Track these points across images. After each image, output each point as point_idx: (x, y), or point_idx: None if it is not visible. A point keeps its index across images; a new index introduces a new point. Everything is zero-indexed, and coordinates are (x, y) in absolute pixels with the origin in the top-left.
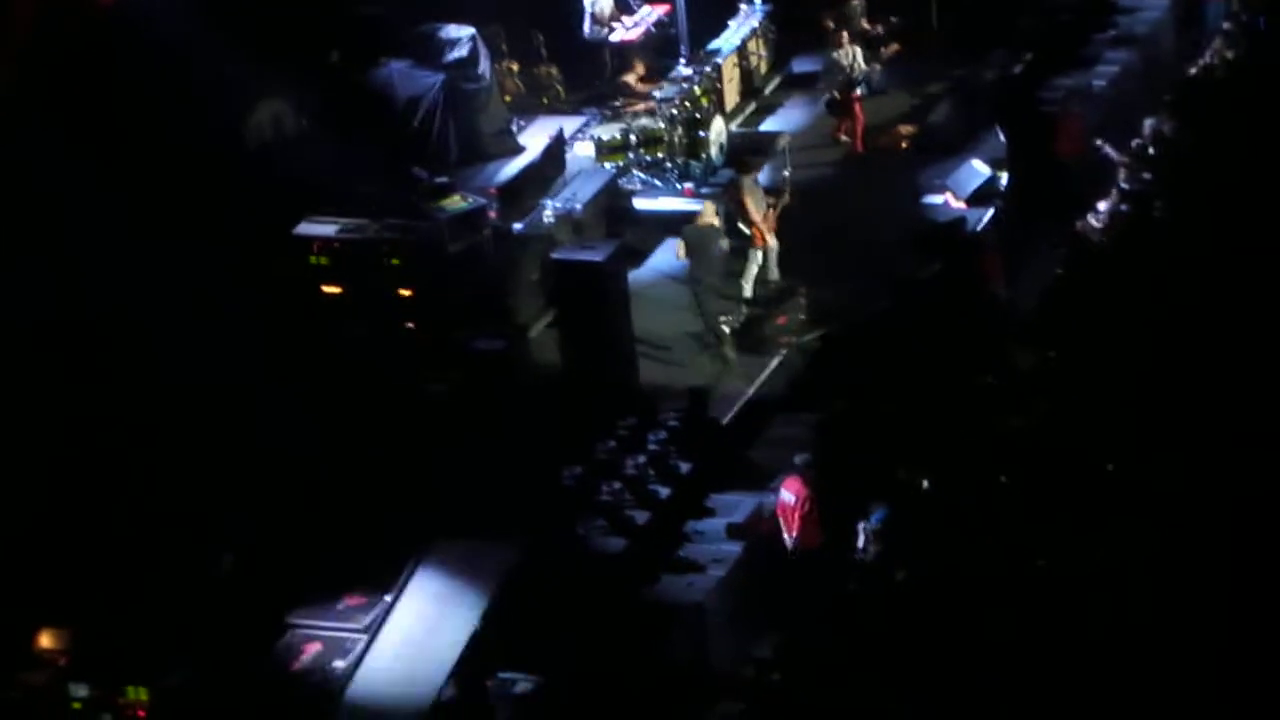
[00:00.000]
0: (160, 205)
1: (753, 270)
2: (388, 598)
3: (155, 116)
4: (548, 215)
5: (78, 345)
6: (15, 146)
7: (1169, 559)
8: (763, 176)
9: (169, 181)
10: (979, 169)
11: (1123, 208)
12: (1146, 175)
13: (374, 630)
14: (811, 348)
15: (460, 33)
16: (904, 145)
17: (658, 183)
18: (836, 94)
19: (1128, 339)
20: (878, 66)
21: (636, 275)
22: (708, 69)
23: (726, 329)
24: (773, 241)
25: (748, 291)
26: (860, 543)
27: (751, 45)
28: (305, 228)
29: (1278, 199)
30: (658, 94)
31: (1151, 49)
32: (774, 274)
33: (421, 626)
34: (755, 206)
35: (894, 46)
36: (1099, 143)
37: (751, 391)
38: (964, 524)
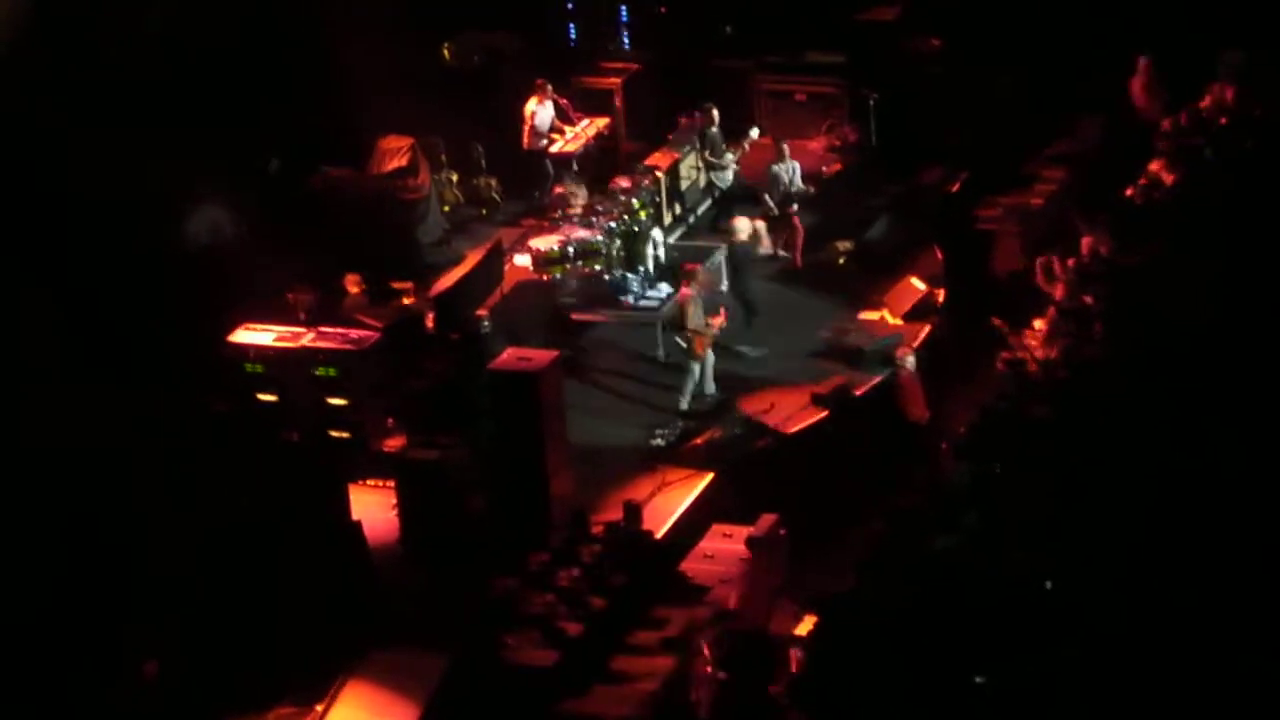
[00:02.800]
0: (95, 312)
1: (689, 384)
2: (319, 707)
3: (93, 224)
4: (485, 326)
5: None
6: None
7: (1103, 679)
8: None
9: (105, 288)
10: (915, 286)
11: (1061, 328)
12: (1085, 296)
13: None
14: (746, 461)
15: (399, 143)
16: (841, 261)
17: (595, 294)
18: (775, 208)
19: (1065, 459)
20: (810, 189)
21: (573, 386)
22: (646, 182)
23: (661, 442)
24: (710, 355)
25: (684, 405)
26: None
27: (690, 160)
28: (241, 335)
29: (1214, 320)
30: (597, 207)
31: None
32: (711, 387)
33: None
34: (696, 317)
35: (835, 165)
36: (1037, 261)
37: (686, 504)
38: (895, 642)
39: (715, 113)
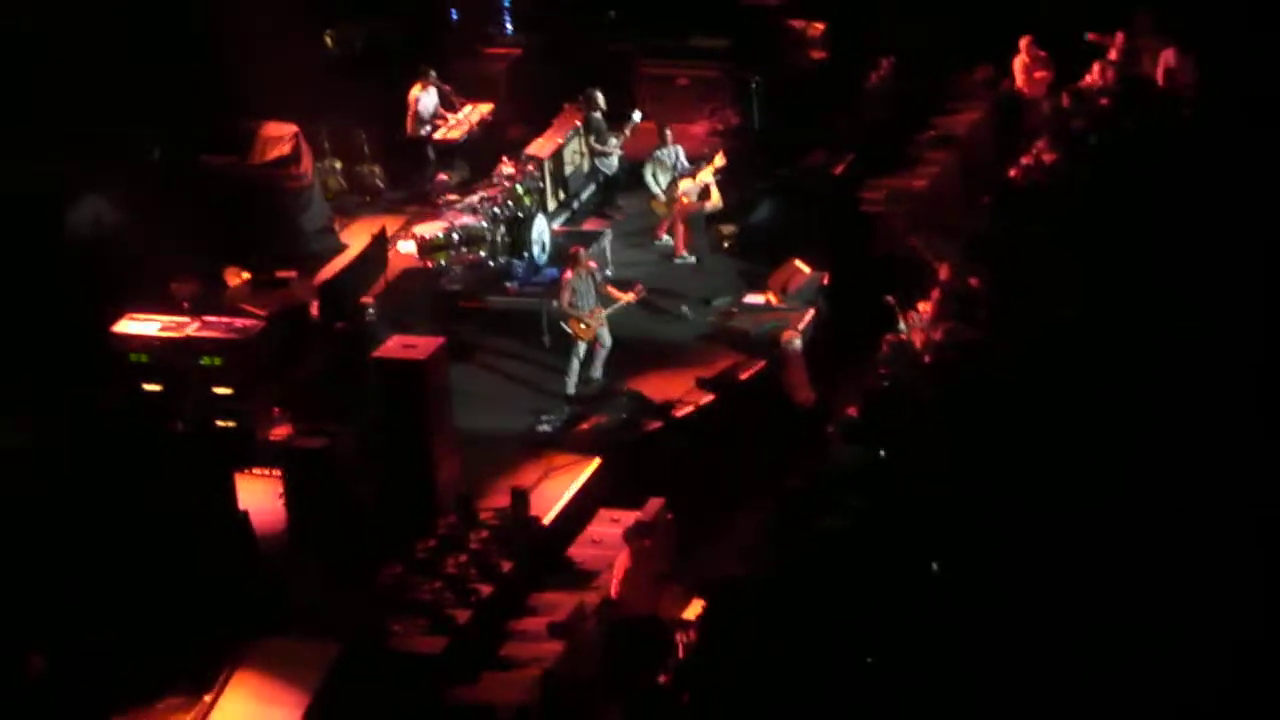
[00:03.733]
0: None
1: (573, 369)
2: (207, 697)
3: None
4: (370, 313)
5: None
6: None
7: (985, 658)
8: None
9: None
10: (800, 269)
11: (946, 309)
12: (969, 278)
13: None
14: (632, 446)
15: (282, 130)
16: (725, 245)
17: (480, 280)
18: (660, 193)
19: (951, 440)
20: (702, 166)
21: (458, 373)
22: (530, 168)
23: (547, 428)
24: (606, 339)
25: (570, 389)
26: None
27: (574, 145)
28: (125, 326)
29: (1097, 301)
30: (481, 193)
31: (971, 150)
32: (598, 372)
33: None
34: (576, 302)
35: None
36: (920, 243)
37: (573, 490)
38: (783, 625)
39: (599, 97)
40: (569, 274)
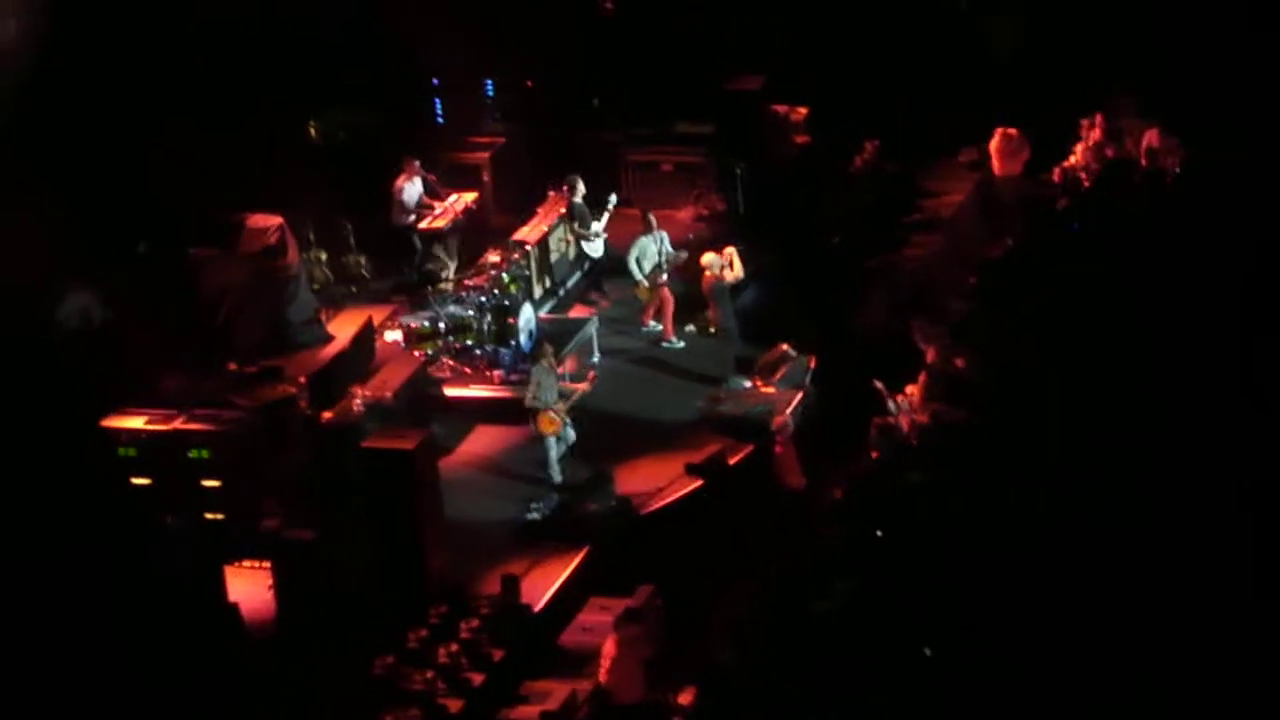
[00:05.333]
0: None
1: (551, 458)
2: None
3: None
4: (357, 404)
5: None
6: None
7: None
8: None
9: None
10: (788, 352)
11: (933, 391)
12: (956, 360)
13: None
14: (622, 533)
15: (267, 221)
16: (712, 330)
17: (467, 370)
18: (644, 279)
19: (940, 523)
20: (684, 254)
21: (447, 462)
22: (516, 256)
23: (536, 516)
24: (569, 435)
25: (555, 478)
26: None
27: (560, 233)
28: (113, 420)
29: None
30: (467, 282)
31: (956, 232)
32: (554, 472)
33: None
34: (539, 394)
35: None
36: (910, 323)
37: (563, 577)
38: (775, 710)
39: (580, 183)
40: (536, 365)
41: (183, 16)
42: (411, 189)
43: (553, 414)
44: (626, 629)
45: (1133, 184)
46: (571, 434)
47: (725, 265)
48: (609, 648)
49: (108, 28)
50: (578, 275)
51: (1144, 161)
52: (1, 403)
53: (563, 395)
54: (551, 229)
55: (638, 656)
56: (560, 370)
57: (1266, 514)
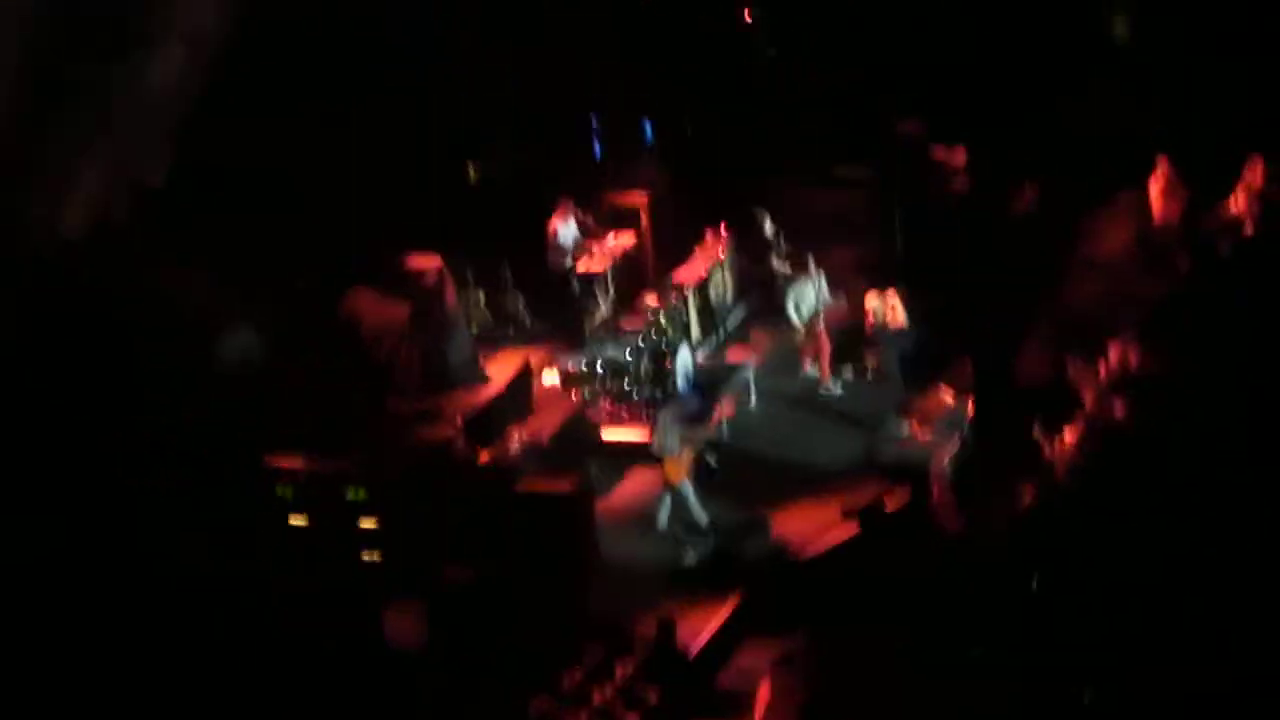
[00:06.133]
0: (127, 442)
1: (691, 500)
2: None
3: (125, 350)
4: (514, 445)
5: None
6: None
7: None
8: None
9: (139, 415)
10: (946, 397)
11: (1091, 437)
12: (1116, 405)
13: None
14: (778, 577)
15: (427, 262)
16: (869, 375)
17: (624, 413)
18: (801, 324)
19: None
20: (843, 300)
21: (603, 505)
22: (673, 298)
23: (692, 559)
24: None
25: (703, 520)
26: None
27: (718, 276)
28: (272, 459)
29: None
30: (625, 325)
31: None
32: (699, 516)
33: None
34: (662, 444)
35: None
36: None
37: (720, 620)
38: None
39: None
40: (658, 413)
41: (349, 56)
42: (566, 230)
43: (676, 460)
44: (781, 674)
45: None
46: (688, 486)
47: (889, 308)
48: (764, 693)
49: (279, 57)
50: (738, 317)
51: None
52: (165, 441)
53: (684, 441)
54: (710, 271)
55: (793, 702)
56: (718, 416)
57: None
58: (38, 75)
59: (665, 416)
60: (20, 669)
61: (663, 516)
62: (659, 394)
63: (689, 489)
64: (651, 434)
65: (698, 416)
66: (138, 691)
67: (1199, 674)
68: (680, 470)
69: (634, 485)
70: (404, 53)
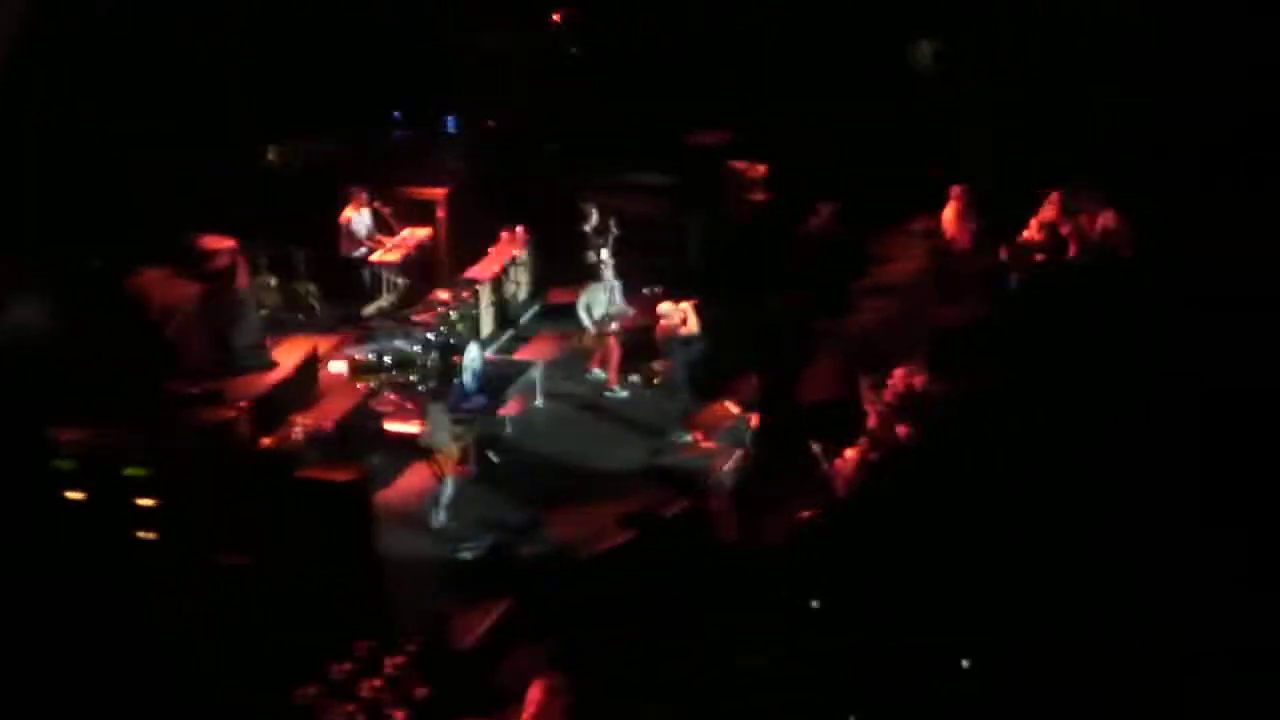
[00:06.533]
0: None
1: (444, 497)
2: None
3: None
4: (297, 432)
5: None
6: None
7: None
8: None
9: None
10: (730, 409)
11: (872, 456)
12: (898, 425)
13: None
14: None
15: (219, 244)
16: (655, 382)
17: (409, 405)
18: (592, 327)
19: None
20: (632, 310)
21: (382, 496)
22: (465, 294)
23: (468, 555)
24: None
25: (437, 522)
26: None
27: (511, 273)
28: (54, 432)
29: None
30: (415, 318)
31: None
32: (440, 516)
33: None
34: (434, 435)
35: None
36: (855, 387)
37: (492, 620)
38: None
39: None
40: (429, 406)
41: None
42: (360, 220)
43: (443, 455)
44: (551, 676)
45: (1081, 261)
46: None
47: (680, 317)
48: (534, 694)
49: (87, 37)
50: (529, 315)
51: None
52: None
53: (455, 437)
54: (504, 269)
55: (562, 704)
56: (504, 412)
57: None
58: None
59: (435, 409)
60: None
61: (432, 514)
62: (443, 388)
63: (449, 485)
64: (416, 436)
65: (479, 412)
66: None
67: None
68: (448, 464)
69: (415, 480)
70: (208, 28)
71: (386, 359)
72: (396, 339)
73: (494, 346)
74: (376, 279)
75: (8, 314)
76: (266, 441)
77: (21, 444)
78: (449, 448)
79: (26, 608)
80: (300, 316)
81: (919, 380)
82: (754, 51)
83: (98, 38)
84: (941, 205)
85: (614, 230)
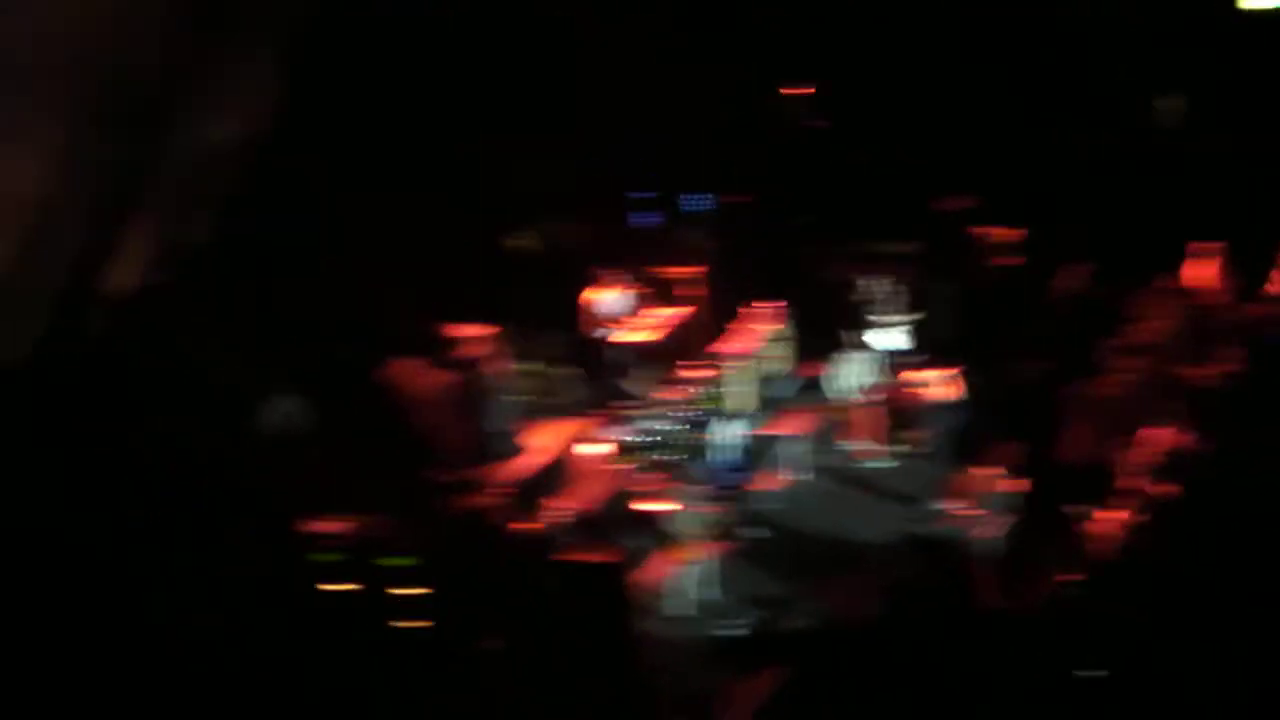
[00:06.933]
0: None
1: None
2: None
3: (159, 421)
4: (555, 516)
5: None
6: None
7: None
8: None
9: (175, 482)
10: (991, 474)
11: (1132, 518)
12: (1163, 489)
13: None
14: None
15: (472, 332)
16: (914, 450)
17: (664, 486)
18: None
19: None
20: (891, 379)
21: (642, 576)
22: (718, 371)
23: (732, 631)
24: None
25: (713, 598)
26: None
27: (765, 347)
28: (314, 524)
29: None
30: (667, 396)
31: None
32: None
33: None
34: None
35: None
36: (1113, 447)
37: (761, 693)
38: None
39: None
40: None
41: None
42: (609, 302)
43: (694, 541)
44: None
45: None
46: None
47: (937, 385)
48: None
49: (329, 126)
50: (785, 389)
51: None
52: (204, 506)
53: (703, 521)
54: (758, 344)
55: None
56: (762, 486)
57: None
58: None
59: (682, 494)
60: None
61: (692, 592)
62: (699, 466)
63: (707, 567)
64: (672, 515)
65: (737, 488)
66: None
67: None
68: (698, 550)
69: (673, 559)
70: (453, 125)
71: (641, 439)
72: (651, 419)
73: (750, 422)
74: (628, 360)
75: (266, 411)
76: (524, 526)
77: (282, 539)
78: (697, 531)
79: (292, 702)
80: (552, 400)
81: (1177, 440)
82: (997, 116)
83: (348, 128)
84: (1193, 261)
85: (882, 296)
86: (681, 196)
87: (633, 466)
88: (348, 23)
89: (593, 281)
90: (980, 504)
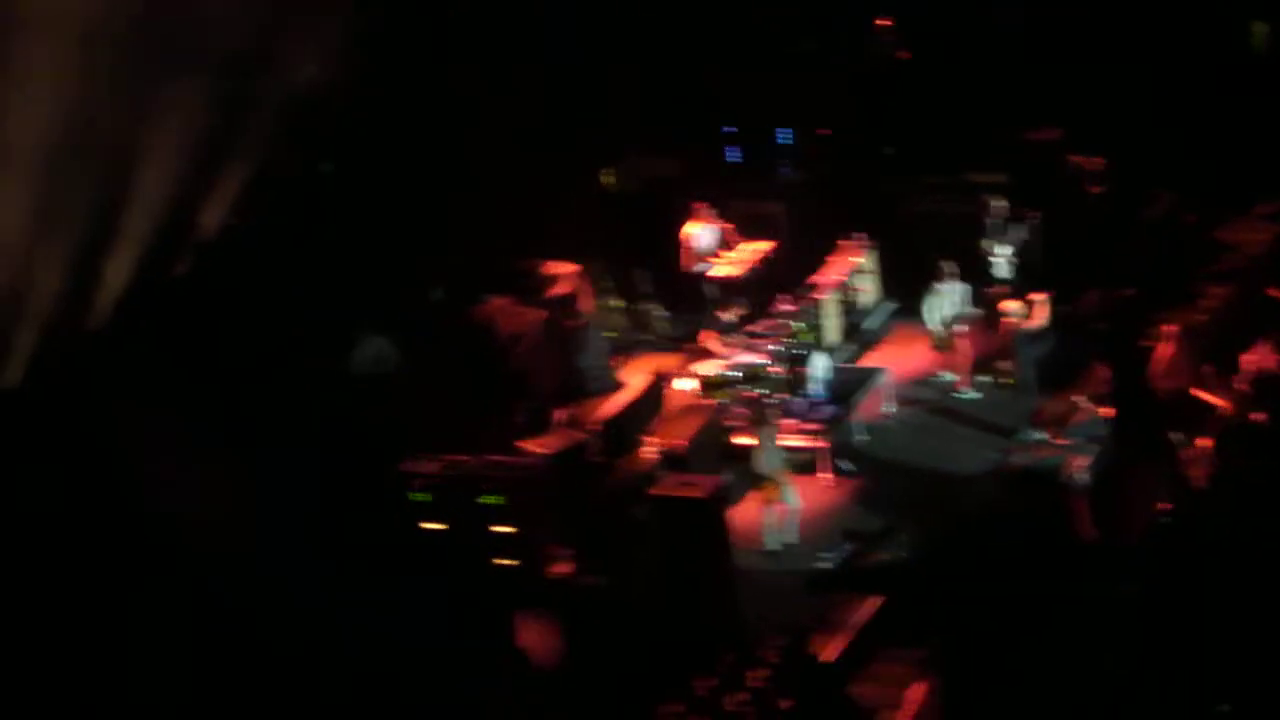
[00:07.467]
0: (263, 441)
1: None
2: None
3: (258, 356)
4: (649, 452)
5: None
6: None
7: None
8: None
9: (272, 418)
10: (1082, 405)
11: (1228, 444)
12: (1249, 416)
13: None
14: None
15: (562, 269)
16: (1005, 381)
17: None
18: (941, 329)
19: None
20: (980, 311)
21: (736, 511)
22: (810, 304)
23: (828, 564)
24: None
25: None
26: None
27: (853, 281)
28: (407, 464)
29: None
30: (760, 330)
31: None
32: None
33: None
34: (762, 459)
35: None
36: (1203, 377)
37: (855, 628)
38: None
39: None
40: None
41: (481, 70)
42: (704, 236)
43: (778, 477)
44: (930, 679)
45: None
46: (792, 500)
47: (1028, 314)
48: (913, 695)
49: (412, 75)
50: (875, 322)
51: None
52: (298, 449)
53: (784, 460)
54: (847, 277)
55: (929, 710)
56: (854, 419)
57: None
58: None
59: (764, 433)
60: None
61: (781, 528)
62: (792, 400)
63: (789, 501)
64: (765, 449)
65: (829, 421)
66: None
67: None
68: (791, 484)
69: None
70: (537, 64)
71: (734, 373)
72: (743, 353)
73: (841, 355)
74: (721, 294)
75: (358, 352)
76: (619, 462)
77: (378, 479)
78: (778, 471)
79: (387, 637)
80: (646, 336)
81: (1271, 364)
82: (1086, 44)
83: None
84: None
85: (1008, 224)
86: (777, 129)
87: (726, 401)
88: None
89: (689, 217)
90: (1071, 433)
